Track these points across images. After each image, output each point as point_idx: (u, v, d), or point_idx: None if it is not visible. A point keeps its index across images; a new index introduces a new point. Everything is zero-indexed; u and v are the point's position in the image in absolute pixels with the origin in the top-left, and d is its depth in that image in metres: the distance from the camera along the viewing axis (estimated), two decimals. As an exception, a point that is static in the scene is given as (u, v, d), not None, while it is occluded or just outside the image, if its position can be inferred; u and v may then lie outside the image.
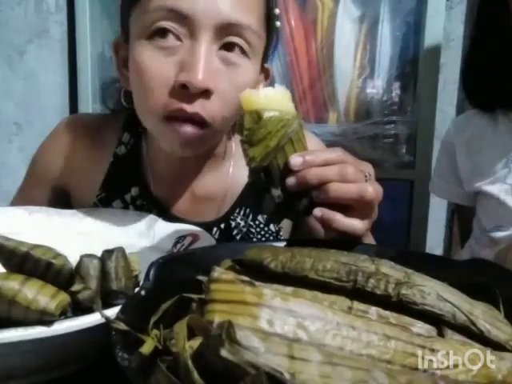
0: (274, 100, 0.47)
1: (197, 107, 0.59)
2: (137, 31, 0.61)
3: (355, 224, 0.47)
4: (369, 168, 0.51)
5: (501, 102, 0.90)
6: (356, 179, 0.46)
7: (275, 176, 0.47)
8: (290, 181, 0.46)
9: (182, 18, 0.57)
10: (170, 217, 0.71)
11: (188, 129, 0.60)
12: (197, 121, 0.60)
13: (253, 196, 0.76)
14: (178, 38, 0.58)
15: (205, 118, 0.60)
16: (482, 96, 0.92)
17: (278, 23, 0.68)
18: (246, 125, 0.47)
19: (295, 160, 0.46)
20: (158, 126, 0.62)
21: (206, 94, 0.58)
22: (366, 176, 0.48)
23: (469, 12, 1.25)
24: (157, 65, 0.59)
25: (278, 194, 0.47)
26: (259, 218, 0.76)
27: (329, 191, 0.45)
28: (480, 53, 0.91)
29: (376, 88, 1.29)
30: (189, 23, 0.57)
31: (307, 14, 1.28)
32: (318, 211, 0.46)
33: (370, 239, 0.56)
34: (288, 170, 0.46)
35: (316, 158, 0.46)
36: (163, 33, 0.58)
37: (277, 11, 0.66)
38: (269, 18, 0.65)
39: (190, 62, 0.57)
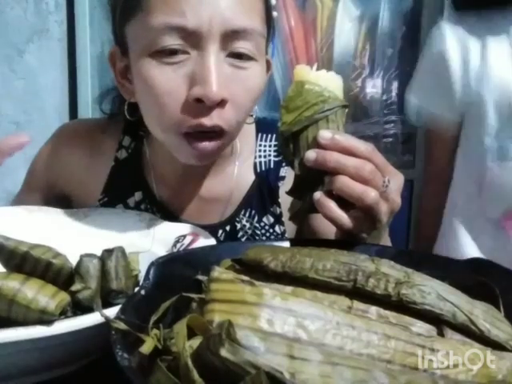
0: (322, 78, 0.48)
1: (215, 118, 0.58)
2: (138, 47, 0.59)
3: (344, 218, 0.46)
4: (396, 177, 0.50)
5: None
6: (370, 180, 0.46)
7: (302, 148, 0.47)
8: (310, 154, 0.46)
9: (187, 33, 0.56)
10: (174, 220, 0.70)
11: (207, 144, 0.59)
12: (215, 132, 0.59)
13: (258, 197, 0.75)
14: (186, 52, 0.57)
15: (223, 127, 0.59)
16: None
17: (275, 13, 0.67)
18: (289, 92, 0.48)
19: (325, 133, 0.46)
20: (174, 141, 0.61)
21: (221, 103, 0.58)
22: (384, 182, 0.47)
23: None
24: (167, 80, 0.57)
25: (298, 167, 0.48)
26: (264, 219, 0.76)
27: (335, 182, 0.45)
28: None
29: (375, 88, 1.29)
30: (194, 36, 0.56)
31: (307, 13, 1.28)
32: (318, 194, 0.46)
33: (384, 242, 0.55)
34: (315, 146, 0.46)
35: (345, 140, 0.46)
36: (171, 51, 0.57)
37: (273, 1, 0.66)
38: (268, 11, 0.64)
39: (202, 74, 0.56)
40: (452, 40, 0.93)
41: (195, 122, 0.58)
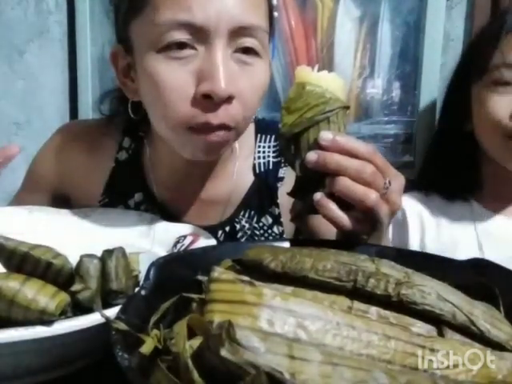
0: (323, 79, 0.48)
1: (221, 115, 0.58)
2: (145, 44, 0.59)
3: (344, 219, 0.46)
4: (397, 178, 0.50)
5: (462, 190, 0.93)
6: (371, 181, 0.46)
7: (303, 149, 0.47)
8: (311, 156, 0.46)
9: (195, 29, 0.56)
10: (174, 221, 0.70)
11: (215, 137, 0.59)
12: (222, 128, 0.59)
13: (257, 198, 0.75)
14: (193, 47, 0.57)
15: (229, 124, 0.59)
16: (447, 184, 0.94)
17: (275, 14, 0.67)
18: (290, 94, 0.48)
19: (325, 135, 0.46)
20: (182, 136, 0.61)
21: (228, 100, 0.58)
22: (384, 183, 0.47)
23: (469, 12, 1.25)
24: (174, 77, 0.58)
25: (299, 168, 0.48)
26: (263, 220, 0.76)
27: (335, 183, 0.45)
28: (442, 149, 0.95)
29: (376, 88, 1.28)
30: (202, 32, 0.56)
31: (307, 14, 1.28)
32: (318, 195, 0.46)
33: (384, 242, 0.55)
34: (316, 147, 0.46)
35: (346, 142, 0.46)
36: (179, 45, 0.57)
37: (274, 2, 0.66)
38: (270, 11, 0.64)
39: (210, 71, 0.56)
40: (412, 214, 0.96)
41: (202, 120, 0.58)
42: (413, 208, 0.96)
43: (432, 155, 0.99)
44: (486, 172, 0.93)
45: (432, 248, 0.92)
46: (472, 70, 0.87)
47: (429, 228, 0.94)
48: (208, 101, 0.57)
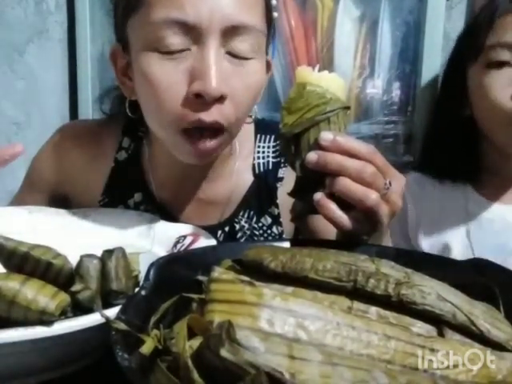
0: (324, 80, 0.48)
1: (214, 114, 0.58)
2: (139, 42, 0.59)
3: (344, 220, 0.46)
4: (398, 178, 0.50)
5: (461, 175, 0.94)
6: (371, 182, 0.45)
7: (304, 149, 0.47)
8: (311, 156, 0.46)
9: (187, 27, 0.56)
10: (174, 221, 0.70)
11: (207, 143, 0.59)
12: (215, 128, 0.59)
13: (256, 198, 0.75)
14: (186, 48, 0.57)
15: (222, 124, 0.59)
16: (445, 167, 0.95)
17: (275, 14, 0.67)
18: (290, 94, 0.48)
19: (326, 135, 0.46)
20: (174, 138, 0.61)
21: (220, 99, 0.58)
22: (385, 184, 0.47)
23: (469, 12, 1.25)
24: (167, 76, 0.58)
25: (299, 168, 0.48)
26: (262, 220, 0.76)
27: (336, 184, 0.45)
28: (440, 134, 0.96)
29: (376, 88, 1.29)
30: (195, 31, 0.56)
31: (307, 14, 1.28)
32: (318, 195, 0.46)
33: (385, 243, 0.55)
34: (316, 147, 0.46)
35: (346, 142, 0.46)
36: (171, 47, 0.57)
37: (274, 2, 0.66)
38: (268, 11, 0.64)
39: (202, 70, 0.56)
40: (408, 194, 0.97)
41: (194, 118, 0.58)
42: (410, 188, 0.96)
43: (430, 140, 1.00)
44: (484, 158, 0.93)
45: (426, 231, 0.94)
46: (468, 51, 0.88)
47: (424, 211, 0.95)
48: (200, 100, 0.57)
